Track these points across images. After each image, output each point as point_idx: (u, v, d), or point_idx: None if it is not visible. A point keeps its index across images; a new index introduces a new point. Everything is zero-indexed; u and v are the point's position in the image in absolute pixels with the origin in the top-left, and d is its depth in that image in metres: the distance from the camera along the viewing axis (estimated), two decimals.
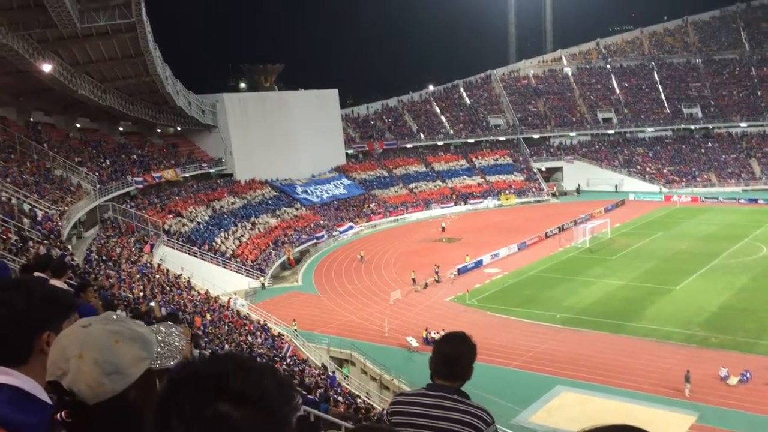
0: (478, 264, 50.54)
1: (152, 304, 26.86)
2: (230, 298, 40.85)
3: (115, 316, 1.62)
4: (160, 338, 1.65)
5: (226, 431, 1.09)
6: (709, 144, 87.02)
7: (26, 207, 31.57)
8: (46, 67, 34.53)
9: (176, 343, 1.67)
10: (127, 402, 1.51)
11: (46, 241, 25.91)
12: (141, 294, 29.51)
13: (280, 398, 1.16)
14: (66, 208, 36.66)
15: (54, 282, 5.07)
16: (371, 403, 27.76)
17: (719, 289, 41.74)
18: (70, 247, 30.72)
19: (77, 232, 39.94)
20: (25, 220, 28.65)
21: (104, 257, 35.43)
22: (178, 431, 1.10)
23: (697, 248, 52.45)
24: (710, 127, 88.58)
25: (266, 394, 1.14)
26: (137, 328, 1.59)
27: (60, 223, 32.71)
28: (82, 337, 1.52)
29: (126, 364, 1.50)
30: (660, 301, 40.20)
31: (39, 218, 30.95)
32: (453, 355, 3.23)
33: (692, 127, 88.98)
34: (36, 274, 5.36)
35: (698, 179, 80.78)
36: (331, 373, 30.82)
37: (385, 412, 3.56)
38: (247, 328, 35.04)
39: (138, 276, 34.51)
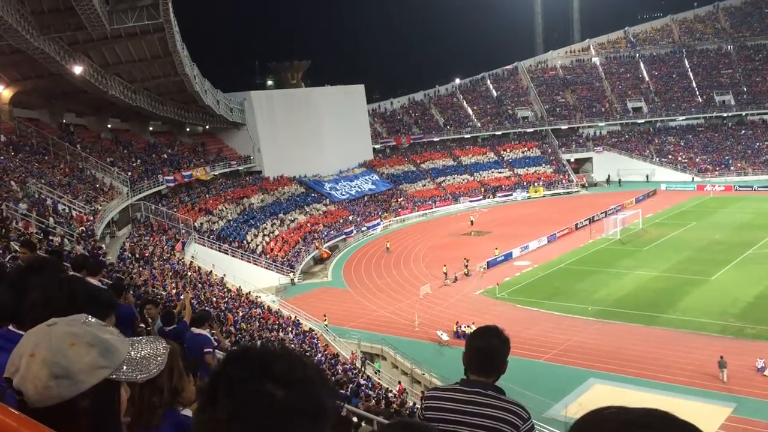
0: (508, 257, 50.29)
1: (182, 297, 27.03)
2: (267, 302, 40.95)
3: (84, 320, 1.48)
4: (136, 349, 1.53)
5: (269, 409, 1.16)
6: (743, 131, 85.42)
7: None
8: (77, 69, 35.15)
9: (155, 358, 1.56)
10: (77, 411, 1.39)
11: (72, 238, 26.24)
12: (174, 291, 29.92)
13: (321, 387, 1.23)
14: (99, 207, 37.25)
15: (89, 280, 5.18)
16: (396, 394, 27.80)
17: (755, 279, 40.95)
18: (103, 246, 31.20)
19: (110, 231, 40.55)
20: (51, 217, 29.02)
21: (137, 256, 35.98)
22: (224, 405, 1.16)
23: (732, 238, 51.52)
24: (743, 114, 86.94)
25: (308, 380, 1.22)
26: (102, 335, 1.45)
27: (94, 222, 33.21)
28: (40, 335, 1.41)
29: (78, 370, 1.37)
30: (694, 292, 39.58)
31: (68, 215, 31.45)
32: (487, 350, 3.19)
33: (724, 114, 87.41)
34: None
35: (732, 168, 79.29)
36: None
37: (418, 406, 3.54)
38: (273, 320, 35.31)
39: (170, 274, 34.99)
